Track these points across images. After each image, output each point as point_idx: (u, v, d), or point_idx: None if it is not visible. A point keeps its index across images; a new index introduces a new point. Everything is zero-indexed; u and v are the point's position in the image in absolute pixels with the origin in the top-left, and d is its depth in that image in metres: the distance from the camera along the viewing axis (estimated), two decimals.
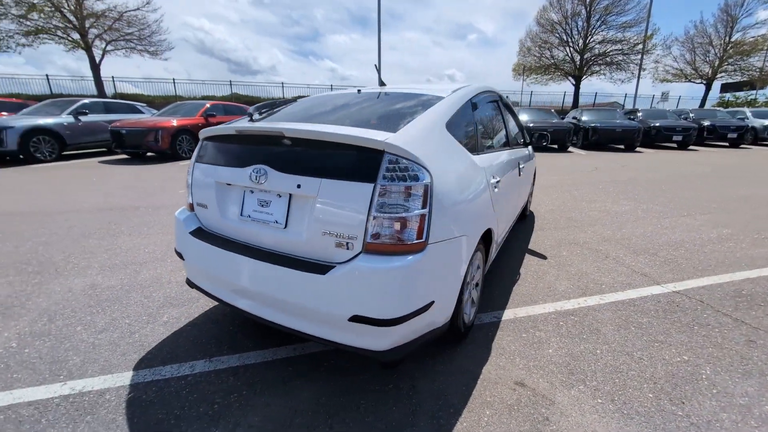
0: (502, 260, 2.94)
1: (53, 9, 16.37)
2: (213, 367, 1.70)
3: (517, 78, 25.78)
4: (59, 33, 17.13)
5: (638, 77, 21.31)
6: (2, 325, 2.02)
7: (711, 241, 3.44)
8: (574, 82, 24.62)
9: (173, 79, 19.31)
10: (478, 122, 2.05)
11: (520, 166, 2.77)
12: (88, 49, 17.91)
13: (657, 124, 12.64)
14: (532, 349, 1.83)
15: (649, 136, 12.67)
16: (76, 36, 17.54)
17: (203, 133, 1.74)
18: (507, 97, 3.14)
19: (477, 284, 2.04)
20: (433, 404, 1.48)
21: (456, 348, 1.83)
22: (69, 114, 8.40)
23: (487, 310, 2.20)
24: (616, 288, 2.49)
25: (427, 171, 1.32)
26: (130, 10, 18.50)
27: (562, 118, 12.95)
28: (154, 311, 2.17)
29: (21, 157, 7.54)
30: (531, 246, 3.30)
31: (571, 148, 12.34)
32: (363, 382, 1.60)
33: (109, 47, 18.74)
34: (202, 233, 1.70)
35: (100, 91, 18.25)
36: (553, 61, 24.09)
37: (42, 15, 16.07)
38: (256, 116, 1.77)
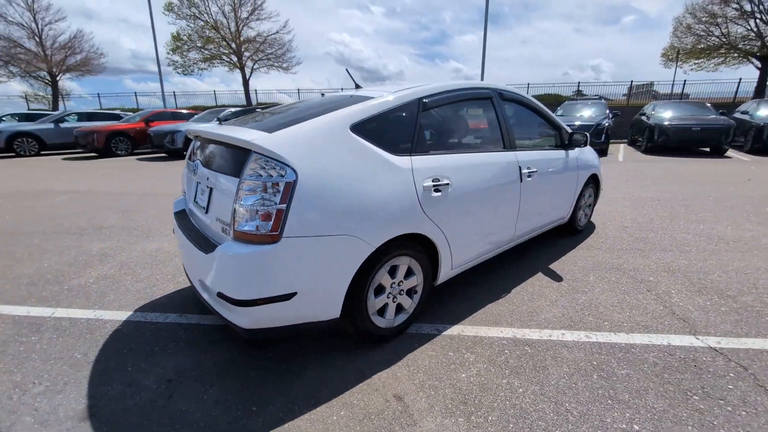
0: (498, 274, 2.63)
1: (222, 39, 21.71)
2: (179, 320, 2.14)
3: (668, 65, 20.46)
4: (224, 57, 22.49)
5: None
6: (96, 267, 2.93)
7: None
8: (759, 65, 18.08)
9: (298, 89, 22.78)
10: (427, 122, 1.94)
11: (524, 171, 2.43)
12: (241, 68, 22.89)
13: None
14: (445, 370, 1.67)
15: None
16: (234, 59, 22.59)
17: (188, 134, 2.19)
18: (526, 94, 2.76)
19: (414, 292, 1.95)
20: (302, 391, 1.55)
21: (367, 350, 1.82)
22: (215, 121, 10.84)
23: (435, 321, 2.07)
24: (623, 328, 1.97)
25: (293, 169, 1.41)
26: (271, 34, 23.09)
27: (722, 113, 9.95)
28: (177, 274, 2.79)
29: (184, 153, 10.15)
30: (554, 265, 2.83)
31: (731, 152, 9.42)
32: (266, 359, 1.77)
33: (255, 66, 23.56)
34: (180, 214, 2.15)
35: (248, 101, 22.92)
36: (725, 39, 18.20)
37: (214, 45, 21.52)
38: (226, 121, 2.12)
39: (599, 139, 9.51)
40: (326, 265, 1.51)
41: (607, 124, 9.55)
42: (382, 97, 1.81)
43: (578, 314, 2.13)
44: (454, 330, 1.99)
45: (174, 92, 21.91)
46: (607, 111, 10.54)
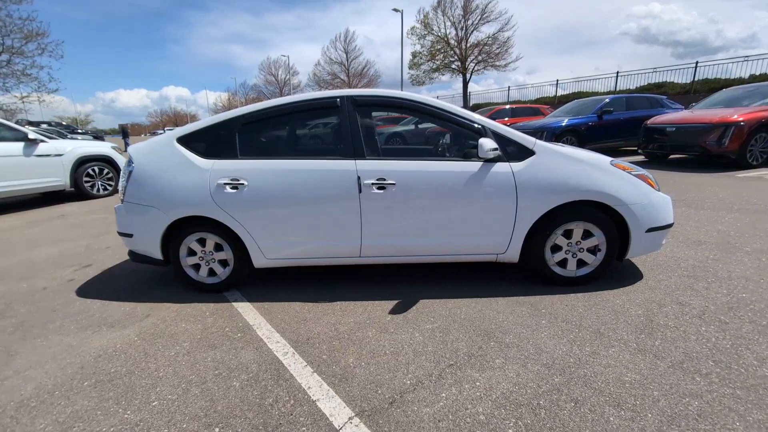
0: (360, 286, 2.55)
1: (450, 49, 24.35)
2: None
3: None
4: (451, 66, 25.23)
5: None
6: None
7: None
8: None
9: (556, 83, 20.14)
10: (245, 133, 2.39)
11: (368, 182, 2.22)
12: (463, 72, 24.75)
13: None
14: (177, 317, 2.24)
15: None
16: (458, 65, 24.73)
17: None
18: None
19: (227, 264, 2.51)
20: (126, 299, 2.61)
21: (185, 293, 2.59)
22: (593, 113, 8.40)
23: (248, 295, 2.50)
24: (321, 367, 1.71)
25: (134, 164, 2.45)
26: (492, 35, 24.23)
27: None
28: None
29: None
30: (429, 302, 2.32)
31: None
32: (159, 280, 2.93)
33: (476, 67, 25.19)
34: None
35: (465, 102, 24.69)
36: None
37: (442, 55, 24.44)
38: None
39: None
40: (144, 222, 2.46)
41: None
42: (222, 114, 2.47)
43: (326, 340, 1.94)
44: (241, 305, 2.38)
45: None
46: None
